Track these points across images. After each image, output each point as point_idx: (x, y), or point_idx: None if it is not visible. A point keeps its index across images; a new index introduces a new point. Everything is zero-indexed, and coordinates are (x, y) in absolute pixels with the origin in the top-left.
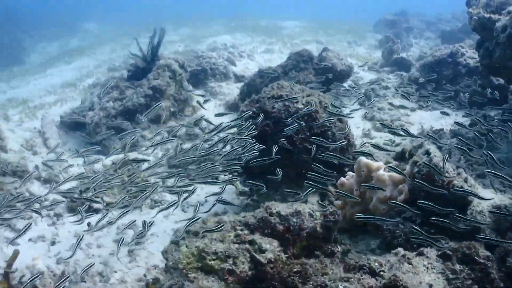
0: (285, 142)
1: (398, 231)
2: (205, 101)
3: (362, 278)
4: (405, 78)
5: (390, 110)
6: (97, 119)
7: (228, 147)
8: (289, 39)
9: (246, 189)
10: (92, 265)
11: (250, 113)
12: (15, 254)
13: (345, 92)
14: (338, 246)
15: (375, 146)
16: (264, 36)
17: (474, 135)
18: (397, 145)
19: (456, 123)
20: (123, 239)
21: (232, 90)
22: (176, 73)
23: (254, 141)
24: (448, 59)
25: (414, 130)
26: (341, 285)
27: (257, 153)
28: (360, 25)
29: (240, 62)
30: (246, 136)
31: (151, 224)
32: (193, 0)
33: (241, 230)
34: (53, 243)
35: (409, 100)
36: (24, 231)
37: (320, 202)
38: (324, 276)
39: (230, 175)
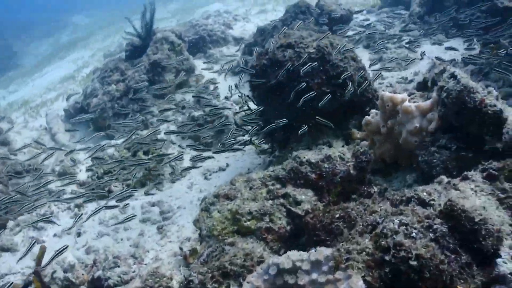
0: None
1: (435, 160)
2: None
3: (415, 210)
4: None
5: (396, 49)
6: (102, 104)
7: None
8: None
9: (266, 146)
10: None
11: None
12: (42, 250)
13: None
14: (374, 187)
15: None
16: None
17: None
18: (411, 81)
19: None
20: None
21: (233, 53)
22: (174, 44)
23: None
24: None
25: (424, 64)
26: (396, 219)
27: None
28: None
29: (237, 26)
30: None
31: None
32: None
33: (272, 185)
34: (78, 234)
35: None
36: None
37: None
38: (373, 214)
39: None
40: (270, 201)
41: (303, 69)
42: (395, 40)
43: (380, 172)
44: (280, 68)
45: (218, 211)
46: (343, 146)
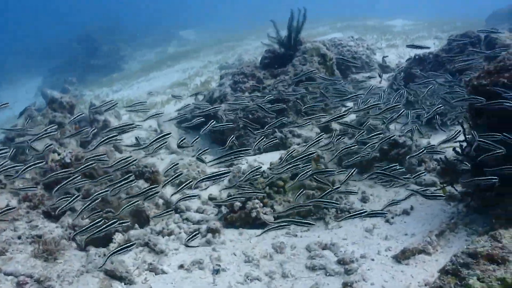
0: None
1: None
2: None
3: None
4: None
5: None
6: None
7: None
8: (405, 35)
9: (456, 192)
10: None
11: None
12: None
13: None
14: None
15: None
16: (377, 33)
17: None
18: None
19: None
20: None
21: (378, 81)
22: (326, 57)
23: None
24: None
25: None
26: None
27: None
28: (471, 20)
29: (376, 56)
30: None
31: None
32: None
33: None
34: (216, 271)
35: None
36: None
37: None
38: None
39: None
40: None
41: None
42: None
43: None
44: None
45: (479, 279)
46: None
